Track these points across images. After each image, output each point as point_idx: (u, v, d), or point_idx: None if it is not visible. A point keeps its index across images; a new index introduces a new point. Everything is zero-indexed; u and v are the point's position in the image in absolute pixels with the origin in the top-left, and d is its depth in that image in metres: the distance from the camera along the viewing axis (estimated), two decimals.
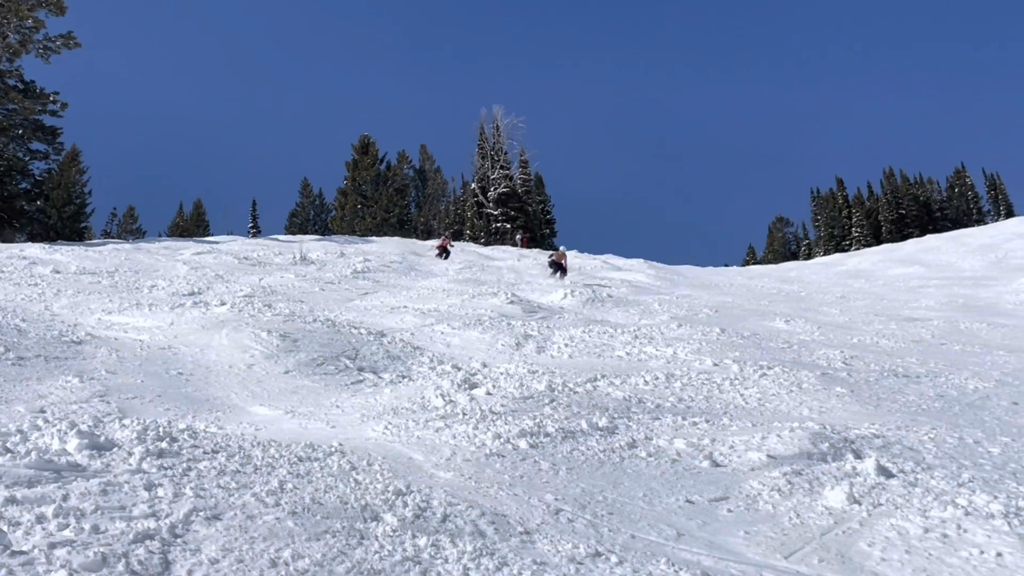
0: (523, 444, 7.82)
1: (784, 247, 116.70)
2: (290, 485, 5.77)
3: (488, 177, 71.80)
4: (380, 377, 11.62)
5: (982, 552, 5.24)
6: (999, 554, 5.20)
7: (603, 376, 11.35)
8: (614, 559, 5.00)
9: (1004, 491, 6.54)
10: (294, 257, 28.40)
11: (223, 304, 15.98)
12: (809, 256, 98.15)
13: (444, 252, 36.52)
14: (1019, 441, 8.58)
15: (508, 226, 69.07)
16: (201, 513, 4.97)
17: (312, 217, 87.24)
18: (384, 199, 68.42)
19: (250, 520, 4.98)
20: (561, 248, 31.91)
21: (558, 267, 29.73)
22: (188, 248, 31.31)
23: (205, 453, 6.42)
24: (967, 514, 5.87)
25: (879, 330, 17.66)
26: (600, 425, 8.61)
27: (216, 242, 36.40)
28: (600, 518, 5.91)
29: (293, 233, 66.99)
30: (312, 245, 34.39)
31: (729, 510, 6.28)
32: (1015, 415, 10.00)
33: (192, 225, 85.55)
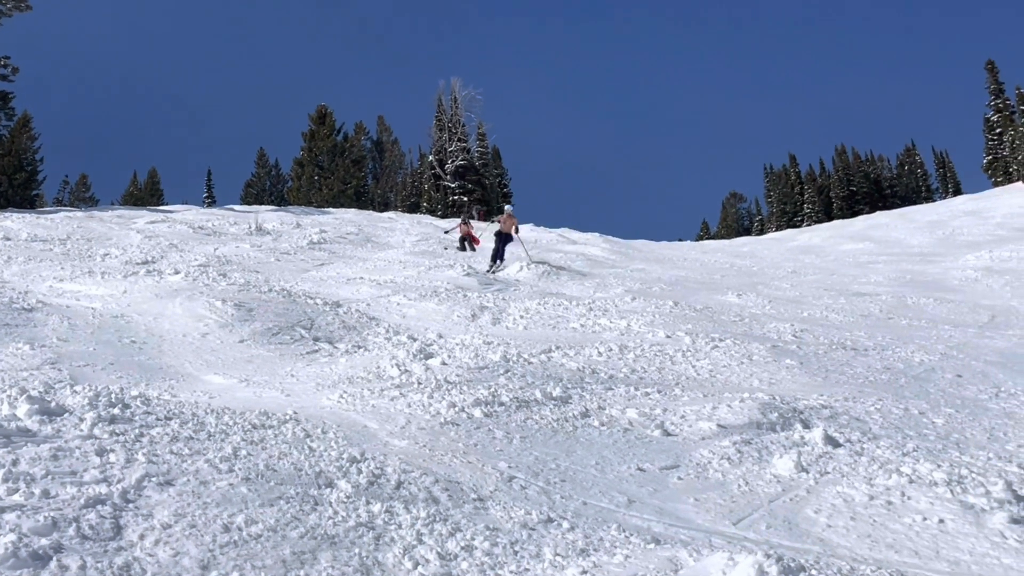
0: (478, 413, 7.83)
1: (737, 222, 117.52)
2: (244, 452, 5.74)
3: (446, 150, 71.49)
4: (335, 347, 11.57)
5: (925, 519, 5.34)
6: (941, 520, 5.31)
7: (557, 347, 11.38)
8: (566, 525, 5.04)
9: (947, 460, 6.67)
10: (249, 227, 28.17)
11: (177, 273, 15.81)
12: (762, 231, 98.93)
13: (468, 243, 28.71)
14: (962, 412, 8.74)
15: (465, 199, 68.89)
16: (153, 479, 4.94)
17: (268, 187, 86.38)
18: (341, 170, 67.81)
19: (203, 486, 4.96)
20: (507, 209, 24.73)
21: (501, 240, 23.33)
22: (142, 217, 30.94)
23: (158, 420, 6.36)
24: (911, 482, 5.97)
25: (829, 304, 17.84)
26: (554, 395, 8.64)
27: (170, 211, 36.00)
28: (553, 485, 5.94)
29: (249, 203, 66.34)
30: (268, 216, 34.11)
31: (679, 478, 6.35)
32: (959, 387, 10.17)
33: (146, 194, 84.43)
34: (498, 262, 22.73)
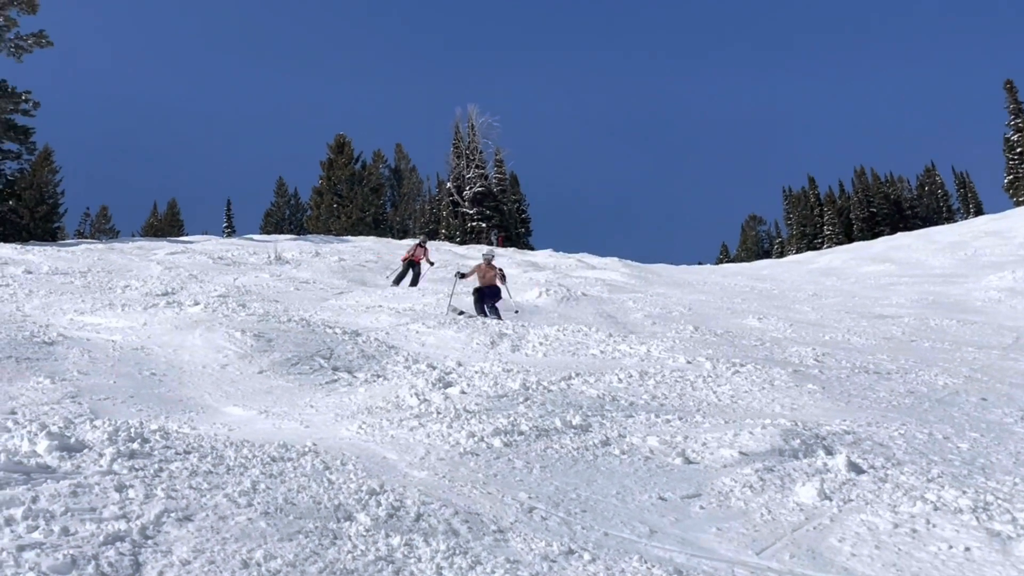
0: (497, 443, 7.80)
1: (757, 245, 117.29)
2: (263, 485, 5.73)
3: (463, 176, 71.81)
4: (355, 376, 11.57)
5: (951, 547, 5.27)
6: (967, 548, 5.24)
7: (577, 374, 11.34)
8: (587, 556, 5.00)
9: (973, 486, 6.59)
10: (269, 257, 28.29)
11: (197, 304, 15.88)
12: (782, 254, 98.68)
13: (412, 270, 25.20)
14: (988, 436, 8.65)
15: (484, 225, 69.08)
16: (172, 514, 4.93)
17: (287, 216, 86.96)
18: (359, 198, 68.21)
19: (222, 521, 4.95)
20: (484, 254, 20.10)
21: (481, 299, 18.87)
22: (162, 248, 31.13)
23: (177, 454, 6.36)
24: (936, 509, 5.91)
25: (850, 327, 17.76)
26: (574, 423, 8.61)
27: (190, 242, 36.21)
28: (573, 516, 5.90)
29: (268, 233, 66.72)
30: (287, 244, 34.26)
31: (701, 507, 6.30)
32: (984, 411, 10.08)
33: (166, 225, 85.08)
34: (484, 307, 18.66)
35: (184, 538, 4.62)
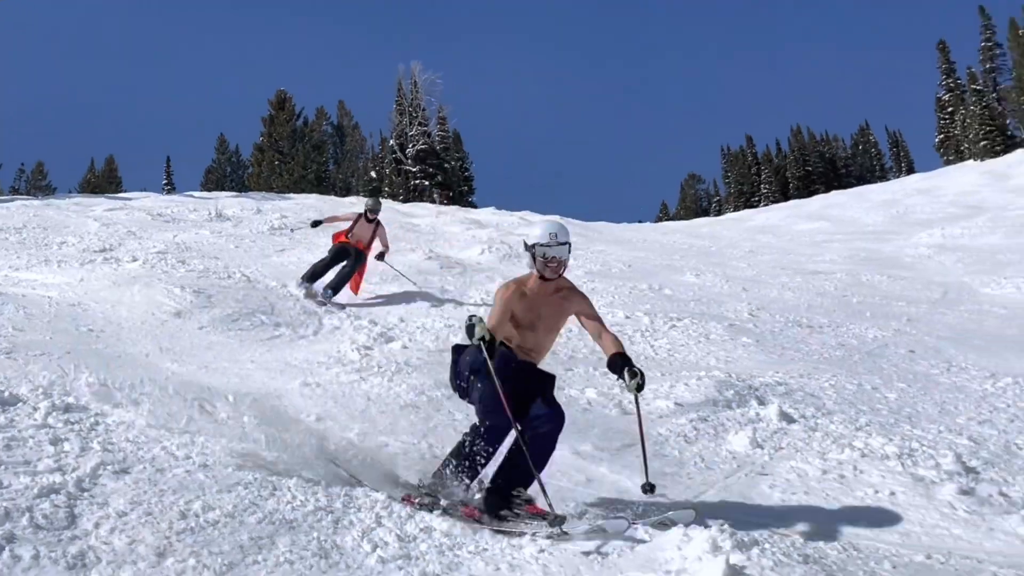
0: (438, 395, 7.81)
1: (696, 203, 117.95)
2: (201, 439, 5.68)
3: (406, 134, 71.16)
4: (296, 332, 11.48)
5: (877, 492, 5.40)
6: (892, 493, 5.37)
7: None
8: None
9: (899, 434, 6.74)
10: (209, 214, 27.88)
11: (135, 260, 15.63)
12: (720, 212, 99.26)
13: (347, 261, 14.22)
14: (914, 387, 8.84)
15: (427, 183, 68.67)
16: (109, 467, 4.87)
17: (228, 174, 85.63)
18: (301, 155, 67.35)
19: (159, 473, 4.91)
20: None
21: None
22: (100, 205, 30.49)
23: (115, 407, 6.28)
24: (863, 456, 6.04)
25: (785, 283, 17.97)
26: None
27: (129, 199, 35.54)
28: None
29: (209, 190, 65.66)
30: (228, 202, 33.77)
31: (637, 456, 6.36)
32: (911, 362, 10.29)
33: (104, 182, 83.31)
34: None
35: (121, 490, 4.57)
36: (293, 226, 25.51)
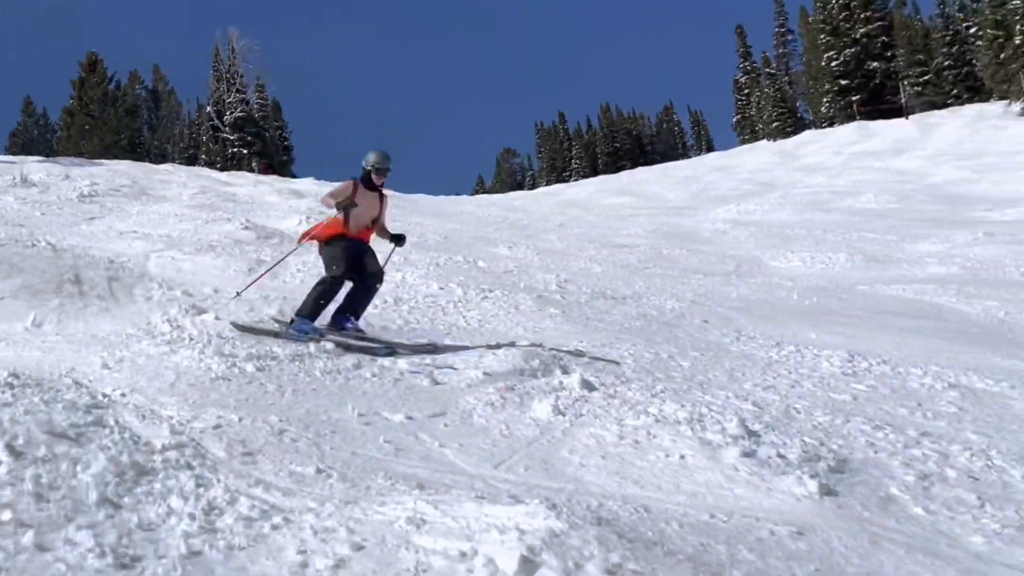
0: (250, 367, 7.66)
1: (511, 177, 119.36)
2: None
3: (224, 101, 69.03)
4: (104, 303, 11.02)
5: (668, 455, 5.61)
6: (682, 456, 5.59)
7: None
8: (335, 475, 5.01)
9: (690, 400, 7.03)
10: (14, 179, 26.34)
11: None
12: (534, 186, 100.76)
13: (356, 267, 9.29)
14: (707, 355, 9.24)
15: (244, 152, 66.89)
16: None
17: (36, 138, 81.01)
18: (114, 120, 64.35)
19: None
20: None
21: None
22: None
23: None
24: (657, 421, 6.26)
25: (592, 255, 18.42)
26: (327, 348, 8.56)
27: None
28: (323, 437, 5.88)
29: (14, 154, 62.05)
30: (34, 167, 31.99)
31: (445, 424, 6.41)
32: (705, 332, 10.74)
33: None
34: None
35: None
36: (104, 192, 24.39)
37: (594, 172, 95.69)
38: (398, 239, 9.86)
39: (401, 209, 29.02)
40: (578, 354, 8.86)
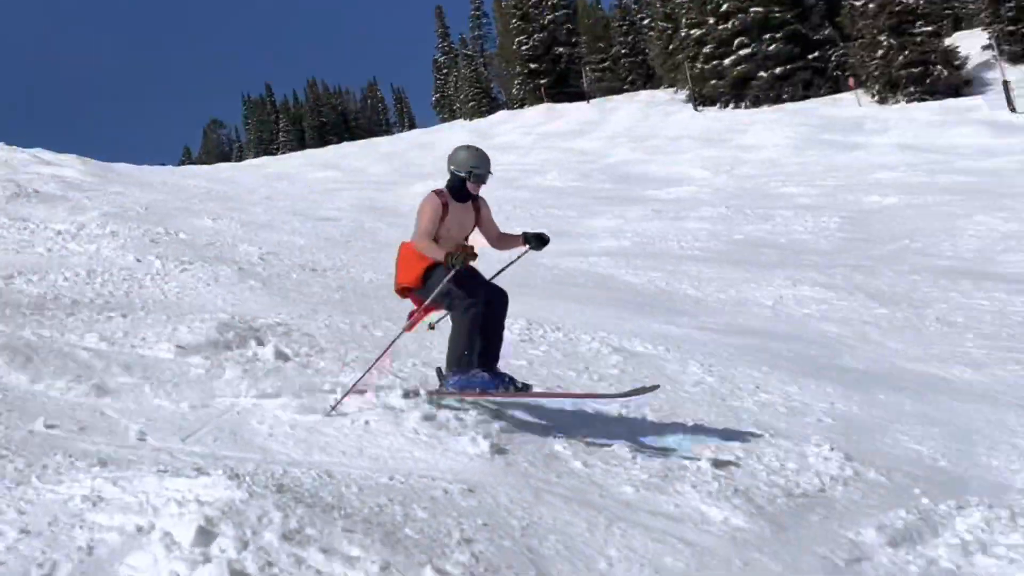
0: None
1: (219, 149, 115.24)
2: None
3: None
4: None
5: (353, 422, 5.69)
6: (367, 422, 5.69)
7: (20, 273, 10.45)
8: (9, 455, 4.70)
9: (376, 368, 7.13)
10: None
11: None
12: (242, 158, 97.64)
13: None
14: (399, 324, 9.36)
15: None
16: None
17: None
18: None
19: None
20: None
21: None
22: None
23: None
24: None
25: (296, 228, 18.14)
26: (16, 320, 7.98)
27: None
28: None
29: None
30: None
31: (135, 400, 6.17)
32: (399, 303, 10.86)
33: None
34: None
35: None
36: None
37: (302, 146, 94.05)
38: (535, 239, 6.81)
39: (101, 179, 27.31)
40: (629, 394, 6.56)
